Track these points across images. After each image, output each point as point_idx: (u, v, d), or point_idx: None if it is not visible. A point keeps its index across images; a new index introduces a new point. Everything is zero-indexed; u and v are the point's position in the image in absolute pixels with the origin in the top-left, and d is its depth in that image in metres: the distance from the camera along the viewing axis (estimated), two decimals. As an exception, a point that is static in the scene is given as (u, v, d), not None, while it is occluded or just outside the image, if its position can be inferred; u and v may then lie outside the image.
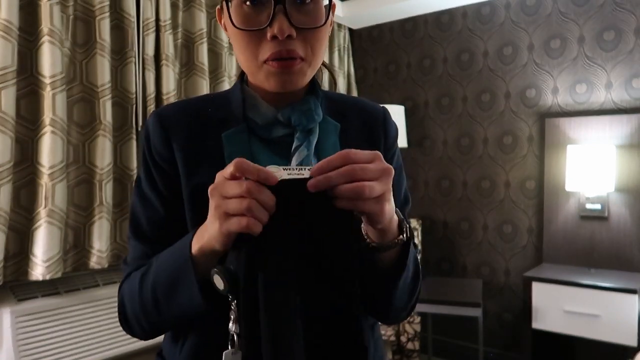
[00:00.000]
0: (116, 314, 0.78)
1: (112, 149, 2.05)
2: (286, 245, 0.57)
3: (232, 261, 0.58)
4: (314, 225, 0.58)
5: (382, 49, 3.42)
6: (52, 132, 1.81)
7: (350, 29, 3.52)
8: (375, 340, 0.78)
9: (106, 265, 2.02)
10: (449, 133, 3.12)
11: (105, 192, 2.00)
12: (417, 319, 2.89)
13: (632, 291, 2.12)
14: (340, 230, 0.58)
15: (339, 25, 3.39)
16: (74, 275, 2.04)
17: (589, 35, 2.63)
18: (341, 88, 3.35)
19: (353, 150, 0.55)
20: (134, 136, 2.15)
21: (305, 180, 0.54)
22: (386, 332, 2.88)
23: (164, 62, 2.24)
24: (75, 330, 1.94)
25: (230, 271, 0.57)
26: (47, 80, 1.81)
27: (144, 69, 2.19)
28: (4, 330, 1.78)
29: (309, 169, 0.55)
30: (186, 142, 0.70)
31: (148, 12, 2.19)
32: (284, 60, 0.64)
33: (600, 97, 2.61)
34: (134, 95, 2.14)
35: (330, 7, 0.68)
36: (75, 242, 1.98)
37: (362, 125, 0.78)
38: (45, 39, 1.80)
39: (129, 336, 1.71)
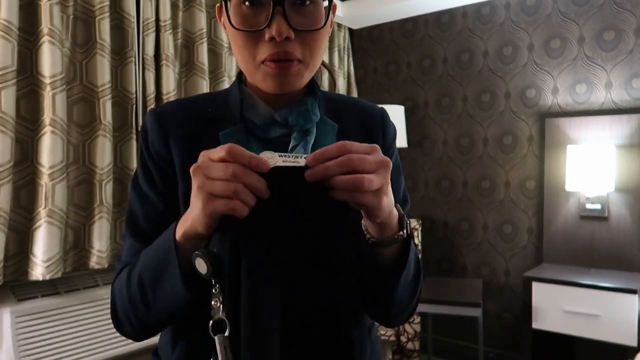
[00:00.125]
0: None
1: (112, 149, 2.05)
2: (275, 233, 0.56)
3: (216, 244, 0.57)
4: (307, 213, 0.57)
5: (382, 49, 3.42)
6: (52, 132, 1.81)
7: (350, 29, 3.52)
8: (372, 342, 0.77)
9: (106, 265, 2.02)
10: (449, 133, 3.12)
11: (105, 192, 2.00)
12: (417, 319, 2.89)
13: (632, 291, 2.12)
14: (334, 221, 0.57)
15: (339, 25, 3.39)
16: (74, 275, 2.04)
17: (589, 35, 2.63)
18: (341, 88, 3.35)
19: (350, 142, 0.54)
20: (134, 136, 2.15)
21: (299, 168, 0.53)
22: (386, 332, 2.88)
23: (164, 62, 2.24)
24: (75, 330, 1.94)
25: (213, 254, 0.56)
26: (47, 80, 1.81)
27: (144, 69, 2.19)
28: (4, 330, 1.78)
29: (305, 157, 0.54)
30: (183, 140, 0.70)
31: (148, 12, 2.19)
32: (281, 61, 0.64)
33: (600, 97, 2.61)
34: (134, 95, 2.14)
35: (331, 8, 0.68)
36: (75, 242, 1.98)
37: (360, 126, 0.77)
38: (45, 39, 1.80)
39: (129, 336, 1.71)
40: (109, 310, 0.74)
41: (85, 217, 2.00)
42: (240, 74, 0.76)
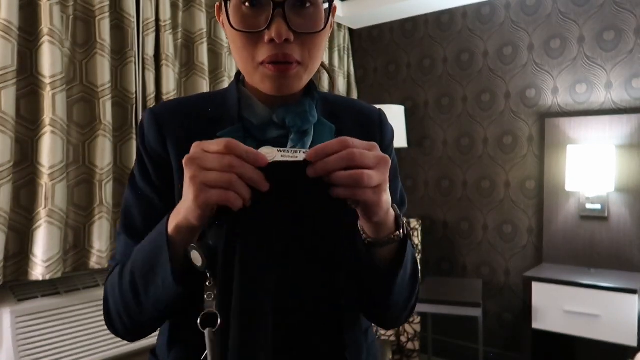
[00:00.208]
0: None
1: (112, 149, 2.05)
2: (273, 227, 0.56)
3: (213, 238, 0.57)
4: (306, 209, 0.56)
5: (382, 49, 3.42)
6: (52, 132, 1.81)
7: (350, 29, 3.52)
8: (369, 344, 0.77)
9: (106, 265, 2.02)
10: (449, 133, 3.12)
11: (105, 192, 2.00)
12: (417, 319, 2.89)
13: (632, 291, 2.12)
14: (332, 217, 0.57)
15: (339, 25, 3.39)
16: (74, 275, 2.04)
17: (589, 35, 2.63)
18: (341, 88, 3.35)
19: (350, 138, 0.54)
20: (134, 136, 2.15)
21: (298, 163, 0.53)
22: (386, 332, 2.88)
23: (164, 62, 2.24)
24: (75, 330, 1.94)
25: (209, 247, 0.56)
26: (47, 80, 1.81)
27: (144, 69, 2.19)
28: (4, 330, 1.78)
29: (304, 152, 0.54)
30: (180, 139, 0.70)
31: (148, 12, 2.19)
32: (280, 64, 0.63)
33: (600, 97, 2.61)
34: (134, 95, 2.14)
35: (331, 11, 0.67)
36: (75, 242, 1.98)
37: (358, 127, 0.77)
38: (45, 39, 1.80)
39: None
40: (102, 310, 0.74)
41: (85, 217, 2.00)
42: (238, 74, 0.75)
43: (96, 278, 2.09)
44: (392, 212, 0.61)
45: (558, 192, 2.66)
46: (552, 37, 2.74)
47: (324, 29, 0.65)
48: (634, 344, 2.12)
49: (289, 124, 0.70)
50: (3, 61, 1.70)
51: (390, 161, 0.56)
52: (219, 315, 0.57)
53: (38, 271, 1.81)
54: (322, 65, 0.80)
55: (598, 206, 2.52)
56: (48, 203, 1.81)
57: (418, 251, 2.97)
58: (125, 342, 2.06)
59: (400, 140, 3.02)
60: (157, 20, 2.24)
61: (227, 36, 0.69)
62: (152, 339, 1.92)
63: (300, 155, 0.54)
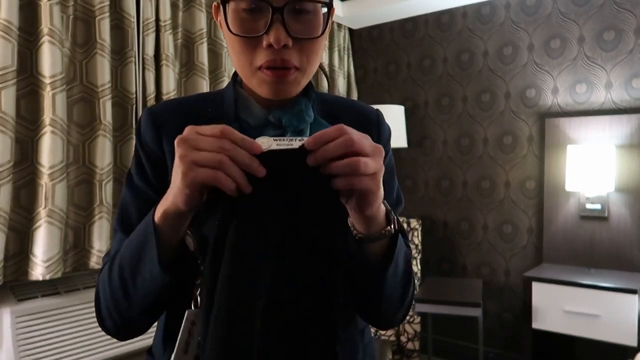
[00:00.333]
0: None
1: (112, 149, 2.05)
2: (268, 217, 0.55)
3: (206, 223, 0.56)
4: (302, 198, 0.56)
5: (382, 49, 3.42)
6: (52, 132, 1.81)
7: (350, 29, 3.52)
8: (365, 344, 0.77)
9: (106, 265, 2.01)
10: (449, 133, 3.12)
11: (105, 192, 2.00)
12: (417, 319, 2.89)
13: (632, 291, 2.12)
14: (328, 207, 0.56)
15: (339, 25, 3.39)
16: (74, 275, 2.04)
17: (589, 35, 2.63)
18: (341, 88, 3.35)
19: (347, 126, 0.54)
20: (134, 136, 2.15)
21: (294, 152, 0.53)
22: (386, 332, 2.88)
23: (164, 62, 2.24)
24: (75, 330, 1.94)
25: (201, 232, 0.56)
26: (47, 80, 1.81)
27: (144, 69, 2.19)
28: (4, 330, 1.78)
29: (299, 139, 0.53)
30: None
31: (148, 12, 2.19)
32: (278, 69, 0.63)
33: (600, 97, 2.61)
34: (134, 95, 2.14)
35: (329, 15, 0.67)
36: (75, 242, 1.98)
37: (356, 127, 0.77)
38: (45, 39, 1.81)
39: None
40: (94, 308, 0.73)
41: (85, 217, 2.00)
42: (235, 75, 0.76)
43: (96, 278, 2.09)
44: (383, 208, 0.61)
45: (558, 192, 2.66)
46: (552, 37, 2.74)
47: (322, 34, 0.65)
48: (634, 344, 2.12)
49: (285, 124, 0.70)
50: (3, 61, 1.70)
51: (383, 152, 0.56)
52: (199, 298, 0.56)
53: (38, 271, 1.81)
54: (321, 67, 0.80)
55: (598, 206, 2.52)
56: (48, 203, 1.81)
57: (418, 251, 2.97)
58: (125, 342, 2.07)
59: (400, 140, 3.02)
60: (157, 20, 2.24)
61: (225, 37, 0.69)
62: (150, 340, 1.92)
63: (296, 144, 0.53)
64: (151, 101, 2.20)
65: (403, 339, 2.90)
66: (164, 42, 2.24)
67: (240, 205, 0.53)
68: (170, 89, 2.25)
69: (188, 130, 0.53)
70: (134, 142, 2.15)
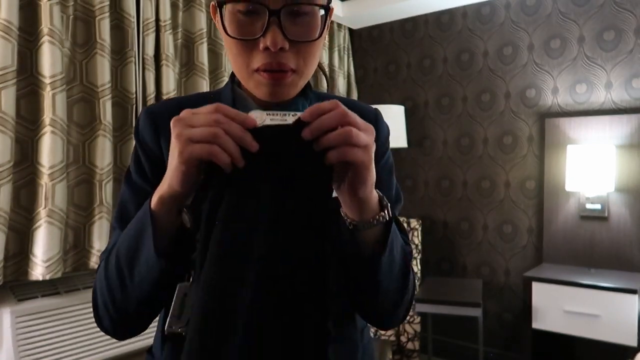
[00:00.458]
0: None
1: (112, 149, 2.05)
2: (257, 191, 0.55)
3: (204, 201, 0.56)
4: (292, 175, 0.55)
5: (382, 49, 3.42)
6: (52, 132, 1.81)
7: (350, 29, 3.52)
8: (365, 344, 0.77)
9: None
10: (449, 133, 3.12)
11: (105, 192, 2.00)
12: (417, 319, 2.89)
13: (632, 291, 2.12)
14: (319, 185, 0.56)
15: (339, 25, 3.39)
16: (74, 275, 2.04)
17: (589, 35, 2.63)
18: (341, 88, 3.35)
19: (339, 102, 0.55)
20: (134, 136, 2.15)
21: (288, 127, 0.53)
22: (386, 332, 2.88)
23: (164, 62, 2.24)
24: (75, 330, 1.94)
25: (198, 209, 0.56)
26: (47, 80, 1.81)
27: (144, 69, 2.19)
28: (4, 330, 1.78)
29: (293, 114, 0.54)
30: None
31: (148, 12, 2.19)
32: (275, 72, 0.63)
33: (600, 97, 2.61)
34: (134, 95, 2.14)
35: (327, 17, 0.66)
36: (75, 242, 1.98)
37: None
38: (45, 39, 1.81)
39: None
40: (91, 307, 0.73)
41: (85, 217, 2.00)
42: (233, 75, 0.76)
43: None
44: (375, 195, 0.61)
45: (558, 192, 2.66)
46: (552, 37, 2.74)
47: (319, 37, 0.65)
48: (634, 344, 2.12)
49: None
50: (3, 61, 1.70)
51: (374, 130, 0.57)
52: (193, 273, 0.56)
53: (38, 271, 1.81)
54: (320, 67, 0.80)
55: (598, 206, 2.52)
56: (48, 203, 1.81)
57: (418, 251, 2.97)
58: (125, 342, 2.07)
59: (400, 140, 3.02)
60: (157, 20, 2.24)
61: (222, 38, 0.69)
62: (150, 340, 1.92)
63: (289, 119, 0.54)
64: (151, 101, 2.20)
65: (403, 339, 2.90)
66: (164, 42, 2.24)
67: (234, 179, 0.53)
68: (170, 89, 2.25)
69: (184, 111, 0.54)
70: (134, 142, 2.15)
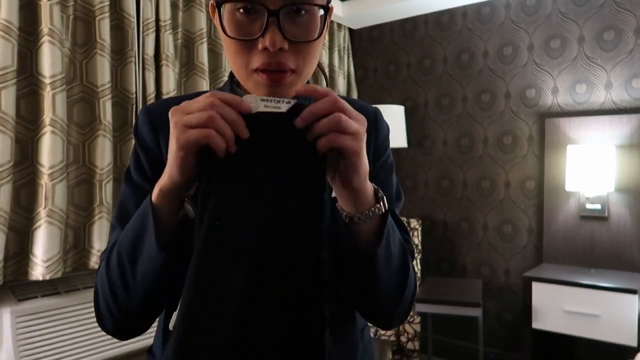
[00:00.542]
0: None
1: (112, 149, 2.05)
2: (248, 179, 0.54)
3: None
4: (284, 163, 0.55)
5: (382, 49, 3.42)
6: (52, 132, 1.81)
7: (350, 29, 3.52)
8: (365, 343, 0.76)
9: (106, 265, 2.02)
10: (449, 133, 3.12)
11: (105, 192, 2.00)
12: (417, 319, 2.89)
13: (632, 291, 2.12)
14: (312, 175, 0.55)
15: (339, 25, 3.39)
16: (74, 275, 2.04)
17: (589, 35, 2.63)
18: (341, 88, 3.35)
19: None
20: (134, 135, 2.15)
21: (281, 114, 0.53)
22: (386, 332, 2.88)
23: (164, 62, 2.24)
24: (75, 330, 1.94)
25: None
26: (47, 80, 1.81)
27: (144, 69, 2.19)
28: (4, 330, 1.78)
29: (286, 102, 0.54)
30: None
31: (148, 12, 2.19)
32: (274, 72, 0.63)
33: (600, 97, 2.61)
34: (134, 95, 2.14)
35: (327, 17, 0.66)
36: (75, 242, 1.98)
37: None
38: (45, 39, 1.81)
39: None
40: (93, 307, 0.72)
41: (85, 217, 2.00)
42: (232, 75, 0.76)
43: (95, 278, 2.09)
44: (370, 186, 0.61)
45: (558, 192, 2.66)
46: (552, 37, 2.74)
47: (319, 37, 0.64)
48: (634, 344, 2.12)
49: None
50: (3, 61, 1.70)
51: (366, 122, 0.57)
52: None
53: (38, 271, 1.81)
54: (320, 66, 0.79)
55: (598, 206, 2.52)
56: (48, 203, 1.81)
57: (418, 251, 2.97)
58: (125, 342, 2.07)
59: (400, 140, 3.02)
60: (157, 20, 2.24)
61: (221, 37, 0.69)
62: (150, 339, 1.92)
63: (283, 106, 0.54)
64: (151, 101, 2.20)
65: (403, 339, 2.90)
66: (164, 42, 2.24)
67: (226, 166, 0.53)
68: (170, 89, 2.25)
69: (182, 102, 0.55)
70: (134, 142, 2.15)
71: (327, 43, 3.27)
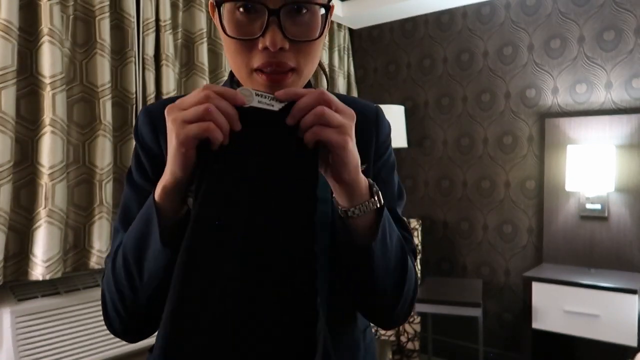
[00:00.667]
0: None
1: (112, 149, 2.05)
2: (239, 174, 0.54)
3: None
4: (276, 160, 0.55)
5: (382, 49, 3.42)
6: (52, 132, 1.81)
7: (350, 29, 3.52)
8: (367, 344, 0.76)
9: (106, 265, 2.02)
10: (449, 133, 3.12)
11: (105, 192, 2.00)
12: (417, 319, 2.89)
13: (632, 291, 2.12)
14: (303, 171, 0.56)
15: (339, 25, 3.39)
16: (74, 275, 2.04)
17: (589, 35, 2.63)
18: (341, 88, 3.35)
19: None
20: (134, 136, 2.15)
21: (273, 113, 0.54)
22: (386, 332, 2.88)
23: (164, 62, 2.24)
24: (75, 330, 1.94)
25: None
26: (47, 80, 1.81)
27: (144, 69, 2.19)
28: (4, 330, 1.78)
29: (279, 100, 0.55)
30: None
31: (148, 12, 2.19)
32: (274, 74, 0.62)
33: (600, 97, 2.61)
34: (134, 95, 2.14)
35: (328, 16, 0.66)
36: (75, 242, 1.98)
37: (355, 125, 0.77)
38: (45, 39, 1.81)
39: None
40: (101, 310, 0.72)
41: (85, 217, 2.00)
42: (232, 74, 0.75)
43: (96, 278, 2.09)
44: (364, 179, 0.61)
45: (558, 192, 2.66)
46: (552, 37, 2.74)
47: (320, 36, 0.64)
48: (634, 344, 2.12)
49: None
50: (3, 61, 1.70)
51: (355, 116, 0.58)
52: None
53: (38, 271, 1.81)
54: (320, 65, 0.79)
55: (598, 206, 2.52)
56: (48, 203, 1.81)
57: (418, 251, 2.98)
58: (125, 342, 2.07)
59: (400, 140, 3.02)
60: (157, 20, 2.24)
61: (221, 36, 0.69)
62: (151, 339, 1.92)
63: (276, 105, 0.55)
64: (151, 101, 2.20)
65: (403, 339, 2.90)
66: (164, 42, 2.24)
67: (219, 159, 0.54)
68: (170, 89, 2.25)
69: (177, 100, 0.56)
70: (134, 142, 2.15)
71: (327, 43, 3.27)
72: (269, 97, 0.55)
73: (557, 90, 2.74)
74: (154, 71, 2.22)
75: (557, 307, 2.30)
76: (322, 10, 0.64)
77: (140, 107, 2.18)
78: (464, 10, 3.05)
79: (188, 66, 2.41)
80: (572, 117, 2.63)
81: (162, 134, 0.71)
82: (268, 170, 0.55)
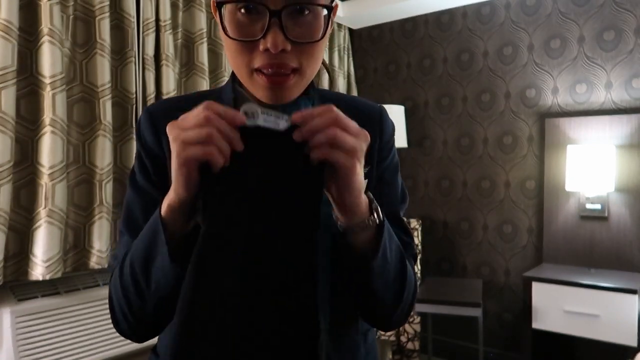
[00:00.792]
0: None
1: (112, 149, 2.05)
2: (242, 193, 0.54)
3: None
4: (282, 177, 0.55)
5: (382, 49, 3.42)
6: (52, 132, 1.81)
7: (350, 29, 3.52)
8: (368, 346, 0.76)
9: (106, 265, 2.02)
10: (449, 133, 3.12)
11: (105, 192, 2.00)
12: (417, 319, 2.89)
13: (632, 291, 2.12)
14: (308, 189, 0.55)
15: (339, 25, 3.39)
16: (74, 275, 2.04)
17: (589, 35, 2.63)
18: (341, 88, 3.35)
19: (335, 107, 0.55)
20: (134, 136, 2.15)
21: (278, 133, 0.53)
22: (386, 332, 2.88)
23: (164, 62, 2.24)
24: (75, 330, 1.94)
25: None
26: (47, 80, 1.81)
27: (144, 69, 2.19)
28: (4, 330, 1.78)
29: (286, 119, 0.54)
30: None
31: (148, 12, 2.19)
32: (276, 75, 0.62)
33: (600, 97, 2.61)
34: (134, 95, 2.14)
35: (330, 16, 0.65)
36: (75, 242, 1.98)
37: (358, 124, 0.77)
38: (45, 39, 1.80)
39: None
40: (109, 310, 0.73)
41: (85, 217, 2.00)
42: (233, 74, 0.75)
43: (96, 278, 2.09)
44: (365, 199, 0.60)
45: (558, 192, 2.66)
46: (552, 37, 2.74)
47: (322, 37, 0.63)
48: (634, 344, 2.12)
49: None
50: (3, 61, 1.70)
51: (369, 138, 0.57)
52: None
53: (38, 271, 1.81)
54: (323, 63, 0.79)
55: (598, 206, 2.52)
56: (48, 203, 1.81)
57: (418, 251, 2.97)
58: (125, 342, 2.07)
59: (400, 140, 3.02)
60: (157, 20, 2.24)
61: (222, 37, 0.69)
62: (153, 339, 1.92)
63: (282, 124, 0.54)
64: (151, 101, 2.20)
65: (403, 339, 2.90)
66: (164, 42, 2.24)
67: (221, 179, 0.53)
68: (170, 89, 2.25)
69: (179, 117, 0.55)
70: (134, 142, 2.15)
71: (327, 43, 3.26)
72: (274, 114, 0.54)
73: (557, 90, 2.74)
74: (154, 71, 2.22)
75: (557, 307, 2.30)
76: (325, 11, 0.63)
77: (140, 107, 2.18)
78: (464, 10, 3.05)
79: (188, 66, 2.41)
80: (572, 117, 2.63)
81: (163, 135, 0.70)
82: (271, 185, 0.55)
